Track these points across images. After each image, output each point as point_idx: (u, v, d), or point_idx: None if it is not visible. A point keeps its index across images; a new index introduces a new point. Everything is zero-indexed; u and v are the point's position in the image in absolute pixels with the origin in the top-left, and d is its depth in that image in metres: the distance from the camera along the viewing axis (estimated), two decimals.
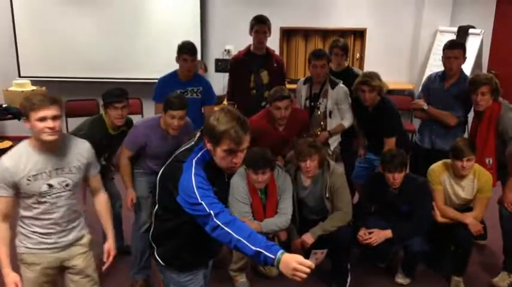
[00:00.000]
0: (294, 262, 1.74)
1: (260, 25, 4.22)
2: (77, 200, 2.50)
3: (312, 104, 4.06)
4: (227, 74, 4.71)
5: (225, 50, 6.57)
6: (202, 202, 1.89)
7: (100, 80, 6.23)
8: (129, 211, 3.47)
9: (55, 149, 2.32)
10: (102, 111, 3.42)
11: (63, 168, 2.34)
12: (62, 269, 2.53)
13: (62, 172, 2.34)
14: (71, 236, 2.48)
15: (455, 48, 3.76)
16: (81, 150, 2.45)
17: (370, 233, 3.44)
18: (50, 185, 2.31)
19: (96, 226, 3.76)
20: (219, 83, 6.10)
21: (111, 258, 2.56)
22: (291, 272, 1.74)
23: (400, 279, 3.62)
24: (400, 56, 6.75)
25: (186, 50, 3.89)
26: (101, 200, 2.67)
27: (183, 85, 3.97)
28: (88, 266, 2.58)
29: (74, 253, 2.52)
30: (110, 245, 2.59)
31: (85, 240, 2.58)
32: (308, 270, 1.74)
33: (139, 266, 3.47)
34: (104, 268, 2.56)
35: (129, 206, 3.38)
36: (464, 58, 3.82)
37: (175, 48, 3.96)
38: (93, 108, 5.89)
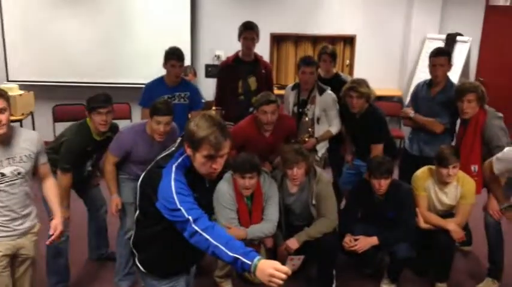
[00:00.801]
0: (270, 268, 1.75)
1: (248, 32, 4.23)
2: (30, 188, 2.60)
3: (300, 110, 4.07)
4: None
5: (215, 56, 6.57)
6: (181, 208, 1.88)
7: (89, 85, 6.19)
8: (115, 216, 3.44)
9: (5, 140, 2.44)
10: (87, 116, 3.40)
11: (14, 157, 2.47)
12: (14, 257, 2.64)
13: (13, 161, 2.47)
14: (27, 224, 2.61)
15: (440, 56, 3.79)
16: (31, 140, 2.57)
17: (356, 240, 3.44)
18: (2, 174, 2.43)
19: (81, 236, 3.79)
20: (209, 88, 6.08)
21: (57, 232, 2.65)
22: (267, 278, 1.74)
23: (386, 285, 3.62)
24: (390, 62, 6.78)
25: (173, 55, 3.90)
26: (50, 184, 2.77)
27: (170, 91, 3.98)
28: (36, 254, 2.74)
29: (28, 241, 2.65)
30: (57, 222, 2.67)
31: (36, 228, 2.70)
32: (284, 276, 1.75)
33: (124, 273, 3.45)
34: (47, 241, 2.68)
35: (114, 212, 3.36)
36: (450, 65, 3.85)
37: None
38: (82, 113, 5.78)
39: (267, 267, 1.75)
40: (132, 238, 2.25)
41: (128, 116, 6.13)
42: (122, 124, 3.61)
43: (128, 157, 3.33)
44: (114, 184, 3.36)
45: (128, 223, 3.37)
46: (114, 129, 3.42)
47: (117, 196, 3.35)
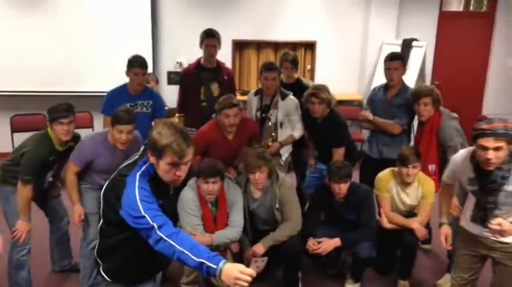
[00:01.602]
0: (235, 271, 1.78)
1: (210, 39, 4.26)
2: None
3: (263, 115, 4.11)
4: None
5: (177, 63, 6.57)
6: (146, 215, 1.89)
7: (49, 94, 6.07)
8: (77, 227, 3.39)
9: None
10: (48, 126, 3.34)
11: None
12: None
13: None
14: None
15: (395, 60, 3.92)
16: None
17: (319, 242, 3.51)
18: None
19: (43, 248, 3.72)
20: (171, 95, 6.06)
21: None
22: (232, 281, 1.78)
23: (350, 285, 3.69)
24: (349, 67, 6.94)
25: (137, 63, 3.87)
26: None
27: (132, 99, 3.95)
28: None
29: None
30: None
31: None
32: (249, 278, 1.79)
33: (88, 284, 3.40)
34: None
35: (77, 223, 3.31)
36: (404, 69, 3.99)
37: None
38: (41, 123, 5.72)
39: (232, 270, 1.78)
40: (96, 247, 2.23)
41: (89, 125, 6.04)
42: (84, 133, 3.56)
43: (90, 167, 3.29)
44: (76, 194, 3.32)
45: (91, 234, 3.33)
46: (75, 138, 3.37)
47: (79, 207, 3.31)
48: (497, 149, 2.40)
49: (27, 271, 3.34)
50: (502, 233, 2.35)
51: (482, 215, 2.66)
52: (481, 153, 2.46)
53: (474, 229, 2.76)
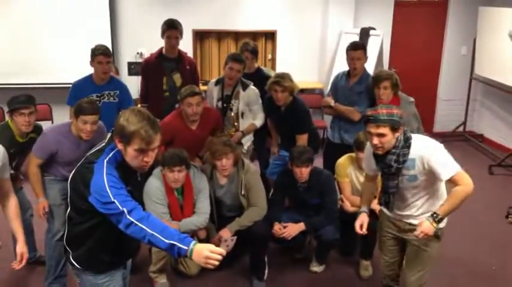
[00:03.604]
0: (206, 251, 1.86)
1: (171, 31, 4.25)
2: None
3: (225, 105, 4.15)
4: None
5: (138, 53, 6.49)
6: (115, 200, 1.91)
7: (6, 86, 5.88)
8: (42, 219, 3.35)
9: None
10: (8, 118, 3.28)
11: None
12: None
13: None
14: None
15: (357, 49, 4.03)
16: None
17: (284, 227, 3.60)
18: None
19: (6, 241, 3.64)
20: (133, 86, 6.00)
21: (24, 261, 2.50)
22: (203, 260, 1.85)
23: (315, 267, 3.81)
24: (310, 56, 7.04)
25: (100, 51, 3.85)
26: (12, 205, 2.63)
27: (98, 89, 3.92)
28: None
29: None
30: (22, 248, 2.53)
31: None
32: (220, 257, 1.85)
33: (55, 276, 3.37)
34: (17, 267, 2.49)
35: (41, 215, 3.27)
36: (366, 58, 4.11)
37: (86, 52, 3.91)
38: None
39: (203, 250, 1.86)
40: (65, 236, 2.24)
41: (49, 117, 5.91)
42: (43, 126, 3.49)
43: (54, 158, 3.25)
44: (40, 187, 3.27)
45: (56, 225, 3.30)
46: (38, 130, 3.33)
47: (43, 199, 3.27)
48: (380, 135, 2.48)
49: None
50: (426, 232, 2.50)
51: (386, 199, 2.77)
52: (369, 138, 2.57)
53: (388, 212, 2.87)
